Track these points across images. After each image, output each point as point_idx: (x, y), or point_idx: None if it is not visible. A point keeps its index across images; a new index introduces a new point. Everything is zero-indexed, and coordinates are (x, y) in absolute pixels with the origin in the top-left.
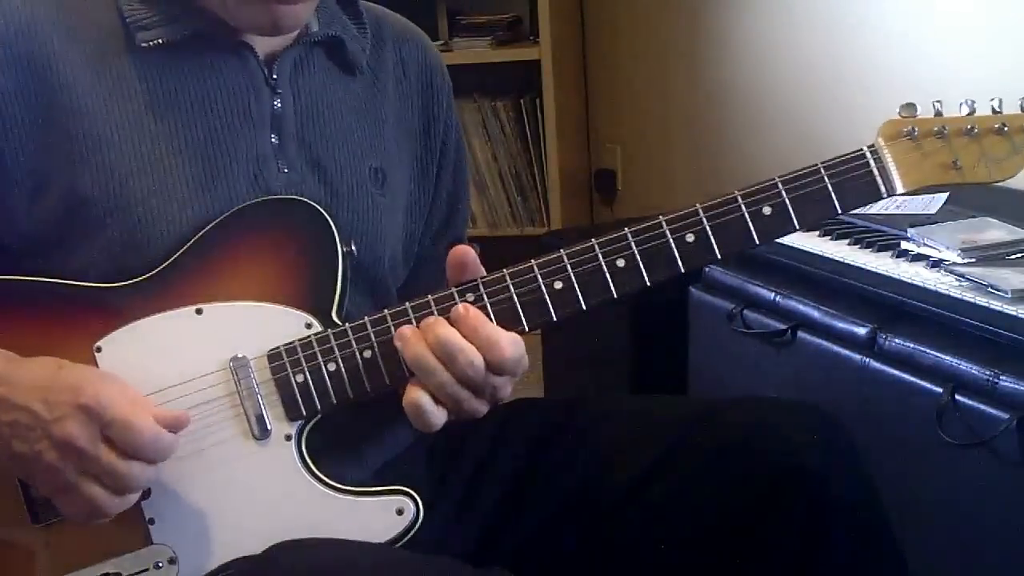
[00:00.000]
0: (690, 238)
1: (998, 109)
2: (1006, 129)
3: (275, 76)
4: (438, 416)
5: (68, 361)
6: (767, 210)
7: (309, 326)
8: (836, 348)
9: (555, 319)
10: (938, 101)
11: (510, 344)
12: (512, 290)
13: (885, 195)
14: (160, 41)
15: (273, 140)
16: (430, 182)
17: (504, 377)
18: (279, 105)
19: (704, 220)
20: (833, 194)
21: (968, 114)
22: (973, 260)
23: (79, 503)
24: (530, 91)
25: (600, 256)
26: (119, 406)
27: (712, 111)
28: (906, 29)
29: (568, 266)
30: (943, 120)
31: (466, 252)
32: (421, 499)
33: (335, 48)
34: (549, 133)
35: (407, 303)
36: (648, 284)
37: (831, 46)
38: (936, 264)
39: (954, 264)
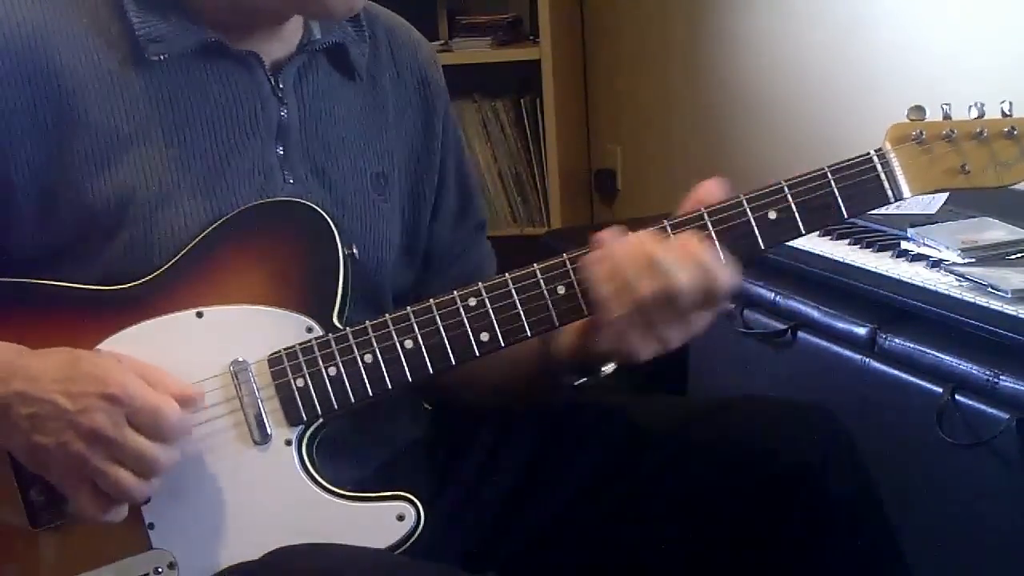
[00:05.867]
0: None
1: (1008, 112)
2: (1015, 133)
3: (281, 85)
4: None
5: (83, 351)
6: (773, 215)
7: (310, 330)
8: (836, 348)
9: (557, 325)
10: (947, 104)
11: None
12: (515, 295)
13: (892, 200)
14: (170, 54)
15: (279, 151)
16: (433, 173)
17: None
18: (285, 115)
19: (709, 225)
20: (840, 199)
21: (977, 117)
22: (973, 260)
23: (102, 492)
24: (530, 91)
25: None
26: (146, 393)
27: (712, 111)
28: (911, 26)
29: (571, 271)
30: (952, 124)
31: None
32: (421, 502)
33: (338, 54)
34: (549, 133)
35: (408, 308)
36: None
37: (833, 44)
38: (936, 264)
39: (954, 264)
